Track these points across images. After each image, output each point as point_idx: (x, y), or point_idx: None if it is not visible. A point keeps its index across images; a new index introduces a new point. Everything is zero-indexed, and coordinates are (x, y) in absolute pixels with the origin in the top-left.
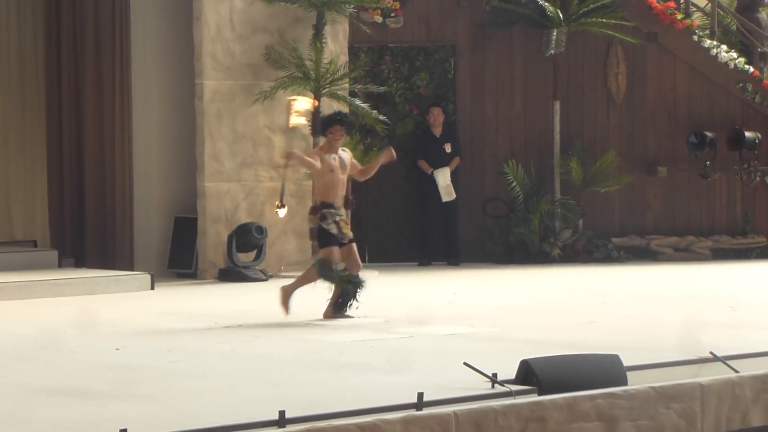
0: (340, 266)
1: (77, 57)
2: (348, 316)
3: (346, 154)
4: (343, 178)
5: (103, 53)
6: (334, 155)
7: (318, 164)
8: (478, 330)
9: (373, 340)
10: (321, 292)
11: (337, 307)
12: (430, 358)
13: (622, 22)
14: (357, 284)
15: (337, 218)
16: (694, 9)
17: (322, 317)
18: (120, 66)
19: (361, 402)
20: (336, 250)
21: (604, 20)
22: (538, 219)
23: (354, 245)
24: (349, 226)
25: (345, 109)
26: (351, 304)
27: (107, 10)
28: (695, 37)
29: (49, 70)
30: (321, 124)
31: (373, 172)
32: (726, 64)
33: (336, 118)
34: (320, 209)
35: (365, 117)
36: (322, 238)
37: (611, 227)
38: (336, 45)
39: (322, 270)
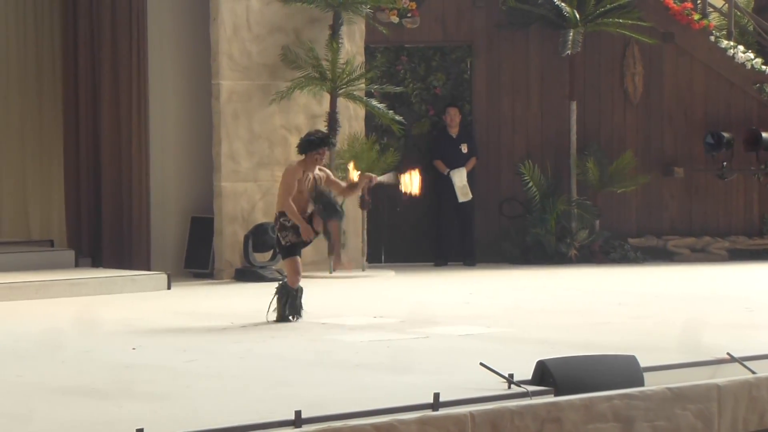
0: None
1: (94, 57)
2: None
3: (322, 174)
4: (305, 194)
5: (119, 54)
6: (309, 174)
7: (291, 198)
8: (495, 330)
9: (388, 340)
10: (339, 291)
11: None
12: (446, 358)
13: (639, 23)
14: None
15: (288, 225)
16: (711, 9)
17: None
18: (137, 66)
19: (376, 402)
20: (296, 260)
21: (620, 20)
22: (555, 219)
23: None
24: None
25: (362, 111)
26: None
27: (124, 10)
28: (712, 38)
29: (66, 71)
30: (308, 143)
31: (355, 193)
32: (743, 64)
33: (328, 141)
34: (278, 219)
35: (381, 117)
36: (280, 248)
37: (628, 228)
38: (352, 45)
39: (281, 291)
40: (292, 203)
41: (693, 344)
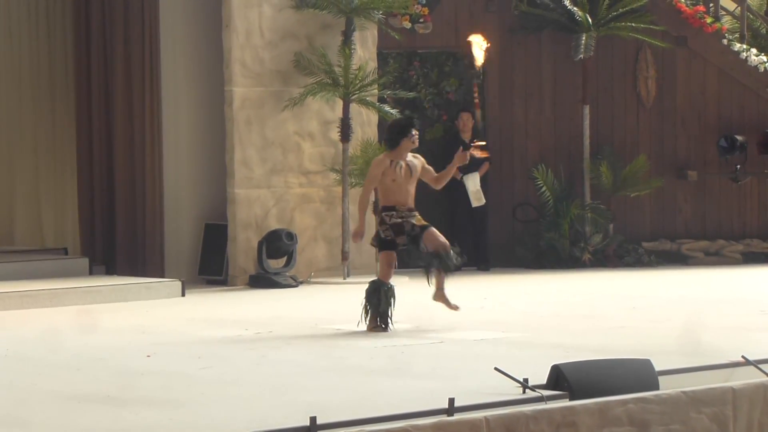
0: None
1: (107, 64)
2: (381, 328)
3: (416, 161)
4: (406, 185)
5: (132, 60)
6: (401, 162)
7: (367, 193)
8: (509, 335)
9: (403, 345)
10: (353, 296)
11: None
12: (460, 363)
13: (652, 26)
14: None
15: (399, 220)
16: (724, 13)
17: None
18: (149, 73)
19: (391, 408)
20: (391, 255)
21: (633, 24)
22: (568, 224)
23: (431, 228)
24: (422, 220)
25: (375, 116)
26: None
27: (137, 17)
28: (725, 41)
29: (79, 78)
30: (398, 131)
31: (447, 179)
32: (756, 67)
33: (413, 124)
34: (381, 212)
35: None
36: (378, 241)
37: (642, 231)
38: (365, 51)
39: (373, 288)
40: (368, 198)
41: (705, 347)
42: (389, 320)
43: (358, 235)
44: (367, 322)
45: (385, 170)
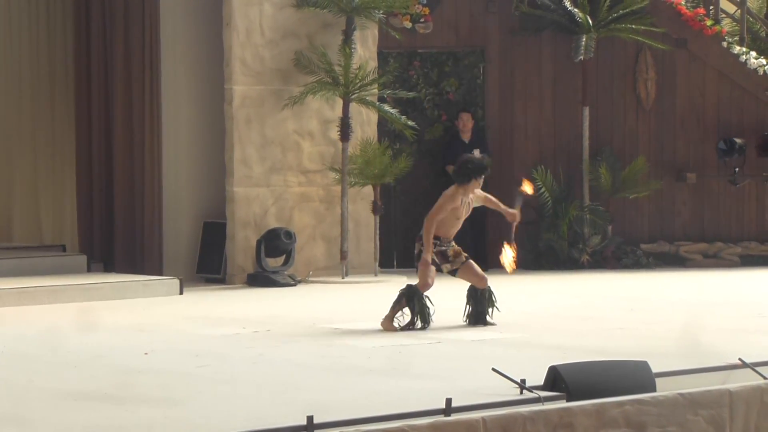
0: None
1: (107, 62)
2: (393, 329)
3: (479, 193)
4: (462, 219)
5: (132, 58)
6: (465, 199)
7: (435, 221)
8: (507, 336)
9: (401, 345)
10: (351, 296)
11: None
12: (458, 363)
13: (652, 28)
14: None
15: (443, 248)
16: (724, 15)
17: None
18: (149, 71)
19: (389, 407)
20: (432, 269)
21: (633, 26)
22: (567, 225)
23: (471, 261)
24: (459, 251)
25: (375, 116)
26: (414, 323)
27: (137, 15)
28: (724, 44)
29: (79, 75)
30: (472, 170)
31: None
32: (755, 70)
33: (485, 169)
34: (422, 239)
35: (394, 123)
36: (419, 260)
37: (640, 233)
38: (365, 50)
39: (407, 294)
40: (434, 225)
41: (702, 349)
42: (428, 319)
43: (428, 264)
44: (391, 322)
45: (455, 206)
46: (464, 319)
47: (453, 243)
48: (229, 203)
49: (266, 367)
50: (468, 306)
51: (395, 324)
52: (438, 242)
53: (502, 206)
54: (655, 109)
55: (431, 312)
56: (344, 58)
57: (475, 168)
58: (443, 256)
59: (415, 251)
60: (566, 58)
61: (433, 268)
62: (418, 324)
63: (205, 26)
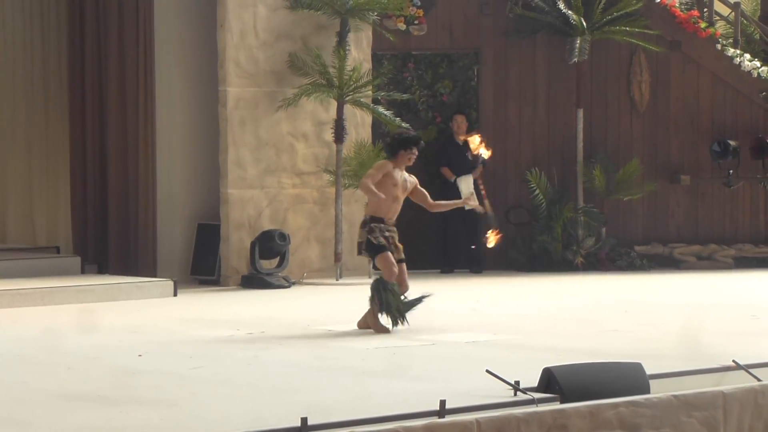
0: (395, 283)
1: (101, 63)
2: (385, 330)
3: (411, 179)
4: (400, 197)
5: (126, 60)
6: (400, 173)
7: (382, 196)
8: (501, 337)
9: (395, 347)
10: (346, 297)
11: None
12: (452, 365)
13: (646, 31)
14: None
15: (387, 234)
16: (718, 18)
17: (356, 326)
18: (143, 73)
19: (383, 409)
20: (390, 256)
21: (627, 28)
22: (561, 227)
23: (403, 265)
24: (400, 247)
25: (369, 117)
26: (394, 318)
27: (131, 17)
28: (719, 46)
29: (73, 77)
30: (399, 142)
31: (445, 209)
32: (749, 72)
33: (418, 140)
34: (369, 223)
35: (388, 124)
36: (371, 249)
37: (634, 235)
38: (359, 52)
39: (375, 287)
40: (371, 185)
41: (697, 351)
42: (402, 318)
43: (386, 254)
44: (378, 322)
45: (387, 172)
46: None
47: (395, 232)
48: (224, 205)
49: (260, 369)
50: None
51: (383, 323)
52: (382, 226)
53: (446, 202)
54: (650, 111)
55: (403, 306)
56: (338, 59)
57: (403, 140)
58: (389, 243)
59: (358, 239)
60: (560, 61)
61: (389, 254)
62: (387, 317)
63: (199, 28)
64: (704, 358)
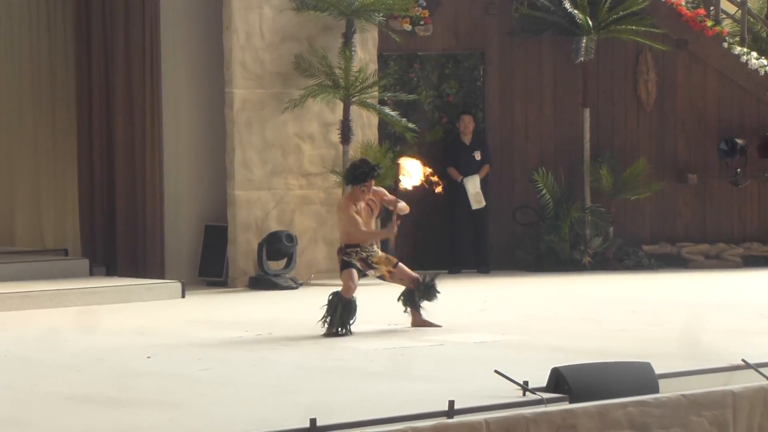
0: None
1: (107, 66)
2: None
3: (375, 197)
4: (369, 222)
5: (133, 62)
6: (361, 203)
7: (361, 224)
8: (509, 338)
9: (403, 347)
10: (360, 300)
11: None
12: (461, 365)
13: (652, 29)
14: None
15: (363, 254)
16: (724, 16)
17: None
18: (150, 74)
19: (391, 410)
20: (354, 272)
21: (633, 27)
22: (568, 226)
23: (400, 265)
24: (385, 257)
25: (375, 118)
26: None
27: (137, 18)
28: (725, 44)
29: (80, 79)
30: (353, 177)
31: (377, 237)
32: (756, 71)
33: (372, 173)
34: (344, 249)
35: (395, 125)
36: (343, 266)
37: (642, 235)
38: (365, 53)
39: (331, 300)
40: (363, 230)
41: (703, 350)
42: (347, 327)
43: (349, 271)
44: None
45: (356, 211)
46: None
47: (377, 250)
48: (231, 206)
49: (268, 370)
50: (406, 306)
51: (332, 330)
52: (358, 249)
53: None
54: (656, 110)
55: (352, 320)
56: (344, 60)
57: (360, 174)
58: (366, 263)
59: (339, 262)
60: (566, 60)
61: (354, 271)
62: (338, 329)
63: (206, 30)
64: (713, 358)
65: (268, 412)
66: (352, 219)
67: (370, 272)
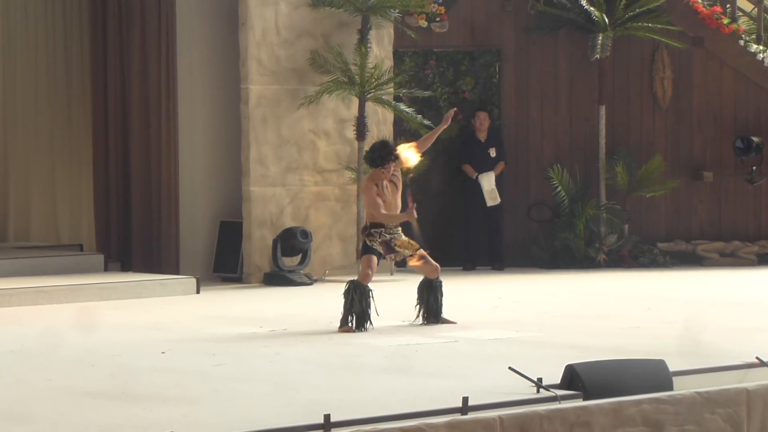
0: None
1: (123, 62)
2: (350, 330)
3: (396, 172)
4: (392, 200)
5: (149, 58)
6: (384, 181)
7: (382, 206)
8: (523, 335)
9: (417, 344)
10: (375, 296)
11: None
12: (475, 362)
13: (668, 27)
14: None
15: (387, 237)
16: (741, 13)
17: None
18: (166, 71)
19: (405, 406)
20: (373, 258)
21: (650, 25)
22: (584, 224)
23: (421, 253)
24: (408, 242)
25: (390, 115)
26: (359, 321)
27: (153, 15)
28: (741, 42)
29: (96, 75)
30: (371, 160)
31: (432, 141)
32: None
33: (390, 157)
34: (369, 228)
35: (410, 121)
36: (363, 250)
37: (657, 232)
38: (381, 49)
39: (348, 289)
40: (384, 213)
41: (713, 348)
42: (366, 322)
43: (411, 215)
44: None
45: (378, 192)
46: (422, 316)
47: (400, 232)
48: (246, 202)
49: (283, 366)
50: (422, 304)
51: (349, 324)
52: (382, 231)
53: (428, 137)
54: (672, 108)
55: (370, 311)
56: (360, 57)
57: (378, 158)
58: (388, 247)
59: (358, 246)
60: (582, 57)
61: (374, 258)
62: (354, 322)
63: (221, 26)
64: (727, 355)
65: (282, 407)
66: (374, 202)
67: (390, 256)
